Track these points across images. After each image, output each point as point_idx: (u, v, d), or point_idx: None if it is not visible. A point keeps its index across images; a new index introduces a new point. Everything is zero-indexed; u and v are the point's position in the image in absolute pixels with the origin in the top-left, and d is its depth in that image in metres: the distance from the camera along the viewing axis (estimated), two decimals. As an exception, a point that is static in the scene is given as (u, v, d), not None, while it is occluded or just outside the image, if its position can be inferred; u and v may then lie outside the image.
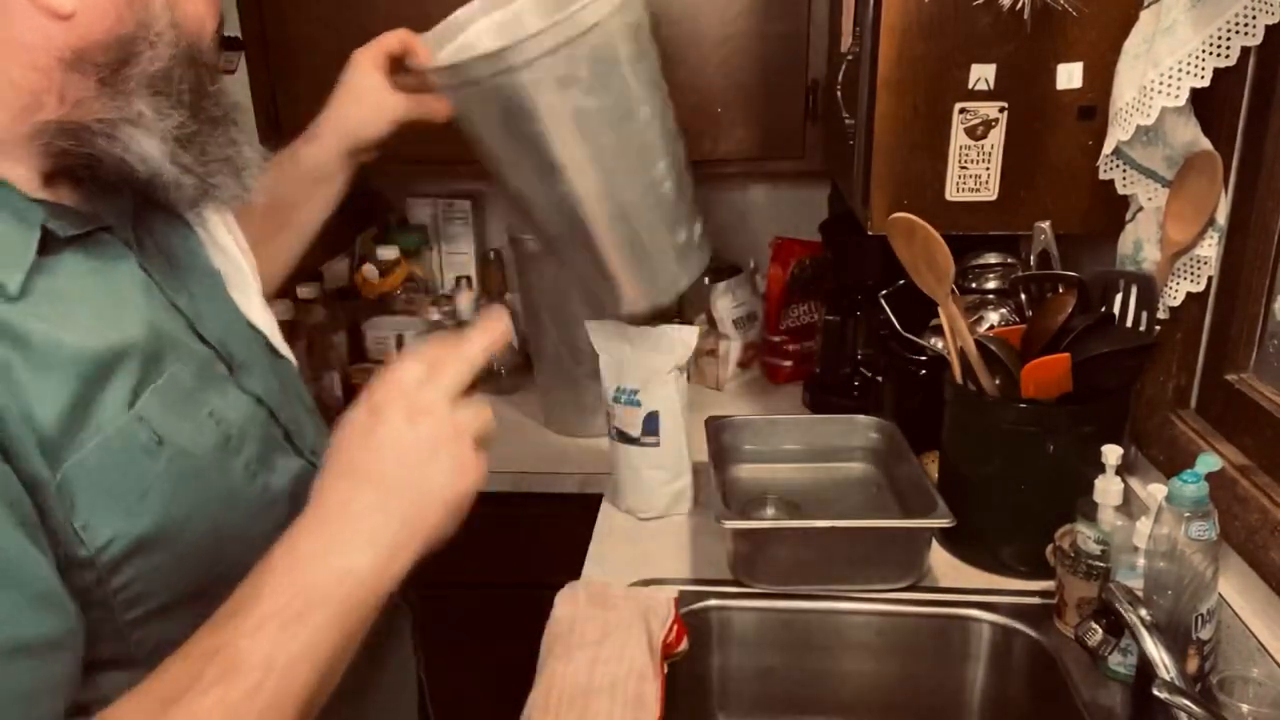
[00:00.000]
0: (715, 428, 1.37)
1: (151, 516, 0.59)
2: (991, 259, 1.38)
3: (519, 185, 1.04)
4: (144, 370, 0.61)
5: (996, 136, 1.15)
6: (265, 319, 0.79)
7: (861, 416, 1.41)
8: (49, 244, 0.59)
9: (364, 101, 1.02)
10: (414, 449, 0.62)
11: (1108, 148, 1.07)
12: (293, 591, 0.57)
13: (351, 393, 1.69)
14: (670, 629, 1.04)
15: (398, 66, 1.04)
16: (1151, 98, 0.98)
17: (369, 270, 1.88)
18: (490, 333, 0.67)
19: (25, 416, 0.54)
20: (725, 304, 1.83)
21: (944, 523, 1.09)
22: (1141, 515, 0.94)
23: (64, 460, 0.55)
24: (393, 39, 1.04)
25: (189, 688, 0.54)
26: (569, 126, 0.97)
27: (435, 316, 1.85)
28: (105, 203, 0.65)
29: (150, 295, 0.65)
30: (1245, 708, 0.84)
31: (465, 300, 1.87)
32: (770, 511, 1.28)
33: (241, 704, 0.54)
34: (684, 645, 1.05)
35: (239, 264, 0.79)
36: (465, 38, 1.10)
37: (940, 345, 1.27)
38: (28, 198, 0.60)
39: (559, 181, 1.01)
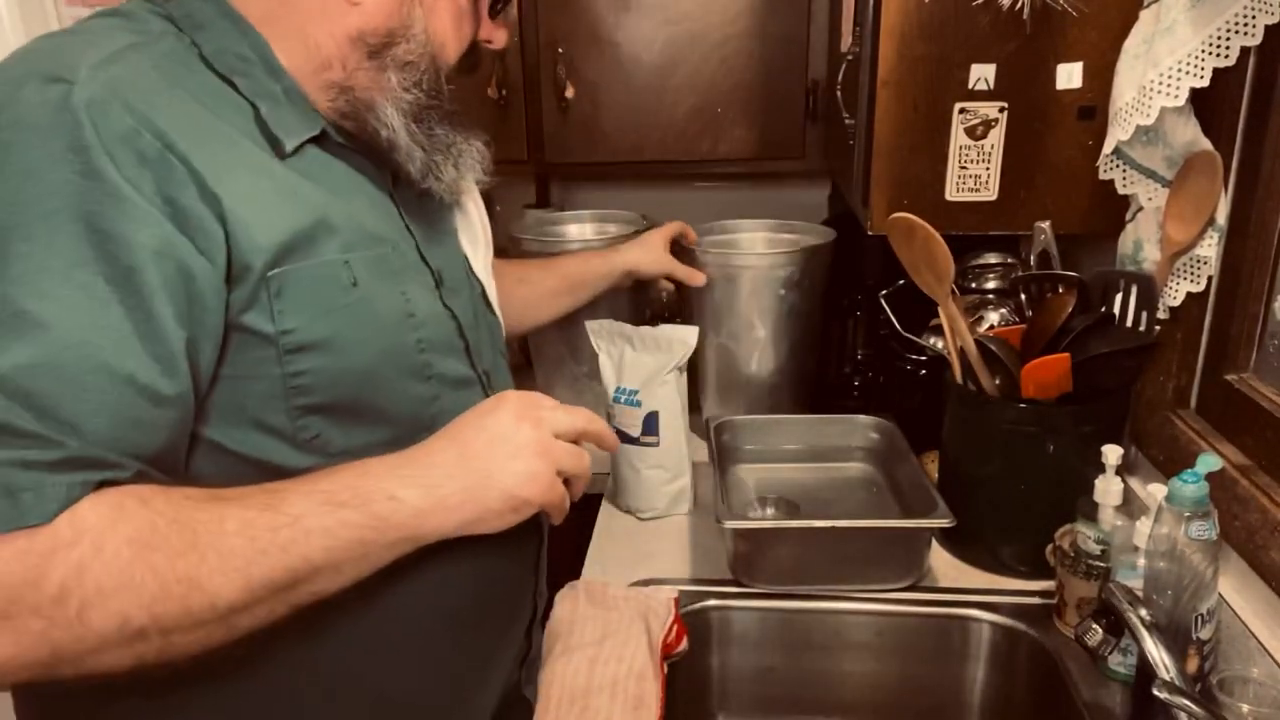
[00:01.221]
0: (716, 427, 1.37)
1: (329, 328, 0.74)
2: (991, 259, 1.39)
3: (725, 334, 1.53)
4: (361, 239, 0.78)
5: (996, 136, 1.15)
6: (486, 276, 1.00)
7: (861, 416, 1.41)
8: (323, 141, 0.80)
9: (651, 251, 1.43)
10: (505, 440, 0.76)
11: (1108, 148, 1.07)
12: (348, 486, 0.70)
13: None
14: (670, 629, 1.04)
15: (674, 245, 1.47)
16: (1151, 98, 0.98)
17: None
18: (607, 435, 0.87)
19: (266, 225, 0.70)
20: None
21: (944, 523, 1.09)
22: (1141, 515, 0.94)
23: (288, 264, 0.71)
24: (676, 226, 1.47)
25: (239, 499, 0.66)
26: (769, 307, 1.49)
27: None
28: (371, 155, 0.84)
29: (387, 210, 0.85)
30: (1245, 708, 0.84)
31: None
32: (770, 512, 1.28)
33: (261, 531, 0.65)
34: (684, 645, 1.05)
35: (476, 231, 1.00)
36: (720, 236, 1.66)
37: (940, 345, 1.28)
38: (319, 113, 0.80)
39: (750, 336, 1.51)
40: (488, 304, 0.99)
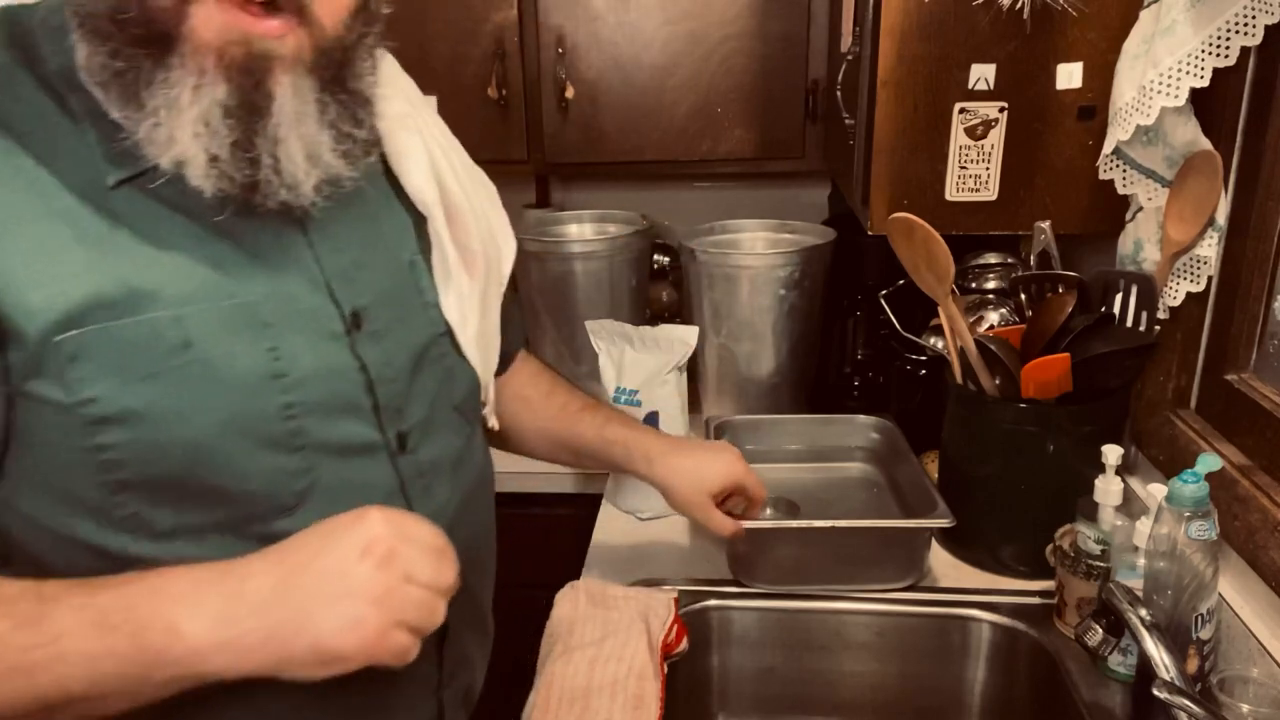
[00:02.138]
0: (717, 427, 1.37)
1: (145, 397, 0.64)
2: (991, 259, 1.39)
3: (725, 334, 1.53)
4: (209, 289, 0.67)
5: (996, 136, 1.15)
6: (459, 317, 0.85)
7: (861, 416, 1.41)
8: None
9: (693, 487, 1.07)
10: (338, 576, 0.62)
11: (1108, 148, 1.07)
12: (126, 607, 0.59)
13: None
14: (670, 629, 1.04)
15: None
16: (1151, 97, 0.98)
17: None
18: (453, 587, 0.67)
19: (50, 285, 0.61)
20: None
21: (944, 523, 1.09)
22: (1141, 515, 0.94)
23: (89, 325, 0.62)
24: (743, 484, 1.09)
25: (5, 602, 0.59)
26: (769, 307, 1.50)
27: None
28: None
29: (277, 244, 0.72)
30: (1245, 708, 0.84)
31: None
32: (769, 512, 1.28)
33: (10, 650, 0.57)
34: (684, 645, 1.05)
35: (450, 266, 0.84)
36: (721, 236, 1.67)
37: (940, 345, 1.27)
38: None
39: (750, 336, 1.52)
40: (454, 346, 0.85)
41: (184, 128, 0.64)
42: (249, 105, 0.65)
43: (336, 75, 0.70)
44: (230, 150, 0.65)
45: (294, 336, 0.71)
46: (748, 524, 1.09)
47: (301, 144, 0.68)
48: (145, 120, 0.63)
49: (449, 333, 0.84)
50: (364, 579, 0.62)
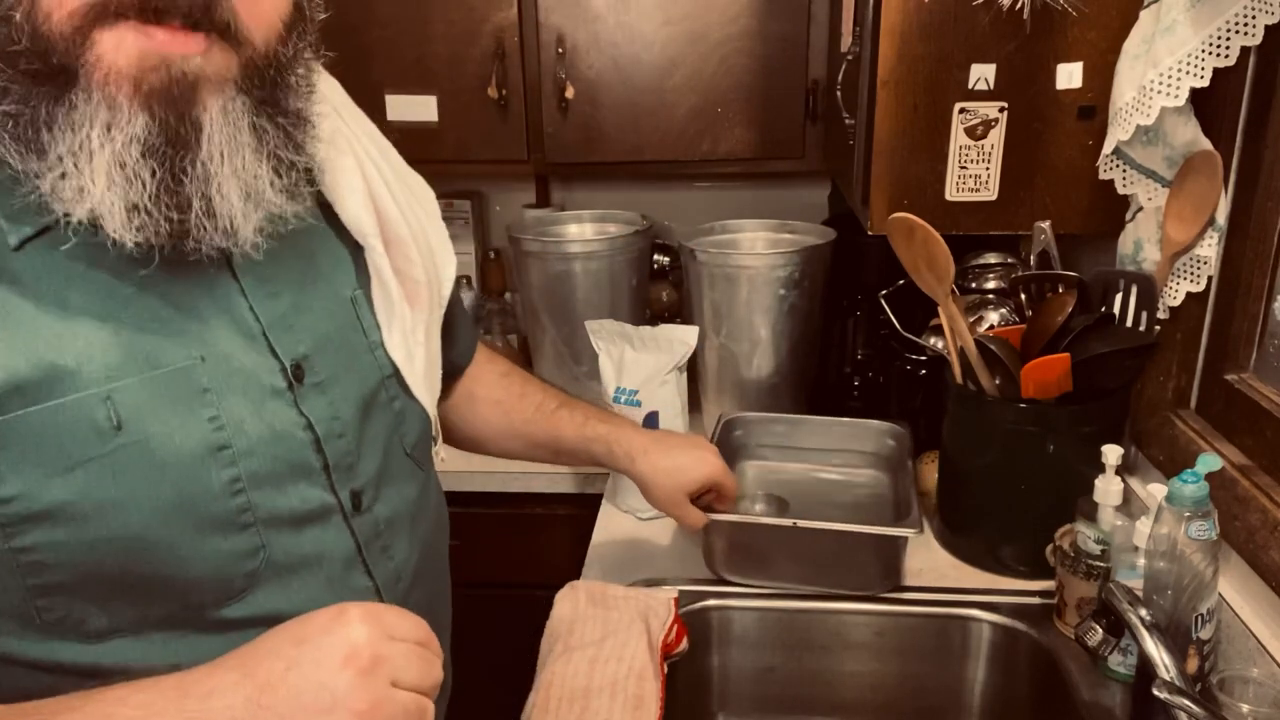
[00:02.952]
0: (727, 423, 1.37)
1: (72, 490, 0.57)
2: (991, 259, 1.39)
3: (725, 334, 1.54)
4: (138, 359, 0.60)
5: (996, 136, 1.15)
6: (405, 355, 0.78)
7: (875, 421, 1.40)
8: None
9: (670, 484, 1.06)
10: (315, 692, 0.54)
11: (1108, 148, 1.07)
12: None
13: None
14: (670, 629, 1.04)
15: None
16: (1151, 97, 0.98)
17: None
18: (439, 682, 0.61)
19: None
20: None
21: (907, 533, 1.08)
22: (1141, 515, 0.94)
23: (4, 411, 0.55)
24: (719, 482, 1.09)
25: None
26: (769, 307, 1.50)
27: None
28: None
29: (209, 297, 0.64)
30: (1245, 708, 0.83)
31: (466, 300, 1.87)
32: (759, 507, 1.28)
33: None
34: (684, 645, 1.05)
35: (393, 299, 0.78)
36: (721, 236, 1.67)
37: (940, 345, 1.27)
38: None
39: (750, 336, 1.52)
40: (403, 386, 0.79)
41: (97, 175, 0.55)
42: (173, 139, 0.56)
43: (271, 95, 0.62)
44: (154, 196, 0.56)
45: (235, 400, 0.64)
46: (715, 516, 1.10)
47: (237, 181, 0.60)
48: (49, 171, 0.55)
49: (396, 373, 0.78)
50: (347, 692, 0.54)
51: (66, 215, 0.56)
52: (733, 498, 1.12)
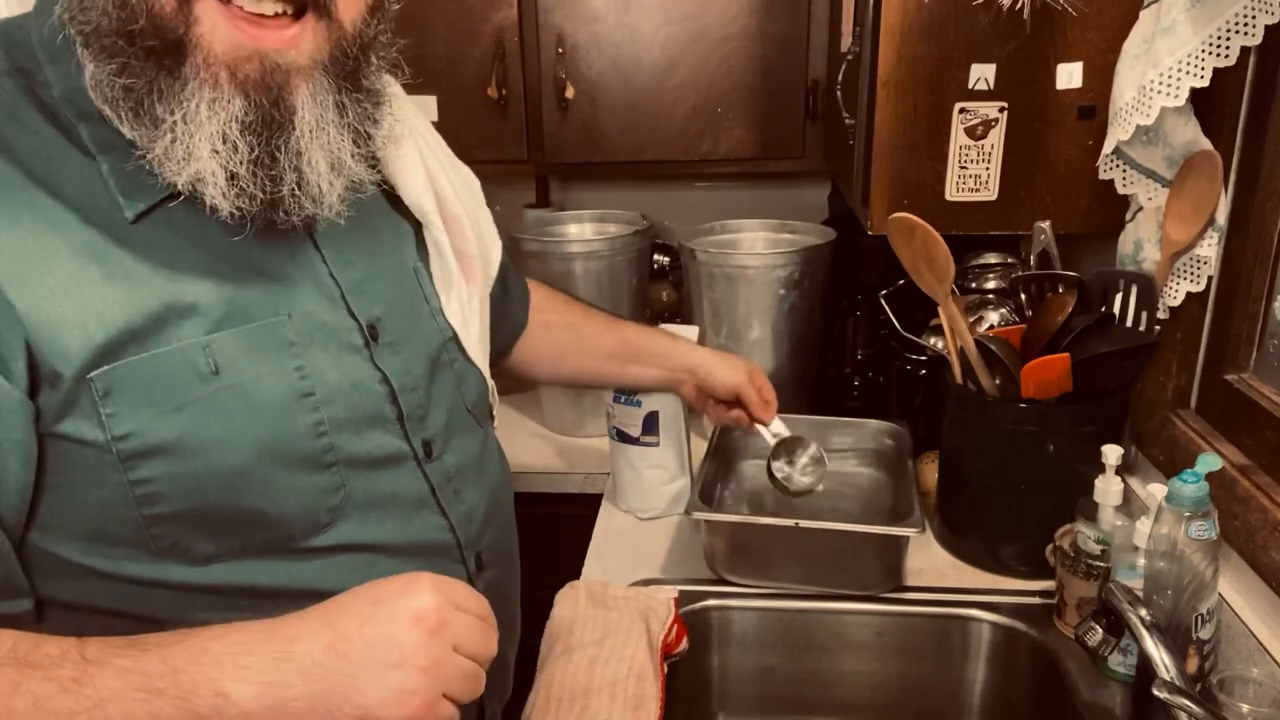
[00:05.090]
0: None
1: (179, 428, 0.64)
2: (991, 259, 1.39)
3: (725, 334, 1.56)
4: (233, 313, 0.67)
5: (996, 136, 1.15)
6: (462, 322, 0.87)
7: (875, 421, 1.40)
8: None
9: (730, 365, 1.20)
10: (389, 644, 0.60)
11: (1108, 148, 1.07)
12: (172, 671, 0.57)
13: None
14: (670, 629, 1.04)
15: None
16: (1151, 97, 0.98)
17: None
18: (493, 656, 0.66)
19: (82, 323, 0.61)
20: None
21: (908, 532, 1.08)
22: (1141, 515, 0.94)
23: (119, 360, 0.62)
24: (760, 385, 1.22)
25: (47, 666, 0.57)
26: (769, 307, 1.52)
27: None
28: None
29: (294, 263, 0.72)
30: (1245, 708, 0.83)
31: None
32: (804, 460, 1.26)
33: (57, 712, 0.56)
34: (684, 645, 1.05)
35: (450, 272, 0.86)
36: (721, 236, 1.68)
37: (940, 345, 1.27)
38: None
39: (750, 336, 1.55)
40: (461, 350, 0.87)
41: (201, 143, 0.62)
42: (269, 120, 0.64)
43: (352, 74, 0.69)
44: (250, 167, 0.64)
45: (318, 353, 0.71)
46: (719, 517, 1.13)
47: (324, 154, 0.67)
48: (160, 137, 0.62)
49: (454, 337, 0.86)
50: (414, 649, 0.60)
51: (172, 185, 0.64)
52: (755, 413, 1.21)
